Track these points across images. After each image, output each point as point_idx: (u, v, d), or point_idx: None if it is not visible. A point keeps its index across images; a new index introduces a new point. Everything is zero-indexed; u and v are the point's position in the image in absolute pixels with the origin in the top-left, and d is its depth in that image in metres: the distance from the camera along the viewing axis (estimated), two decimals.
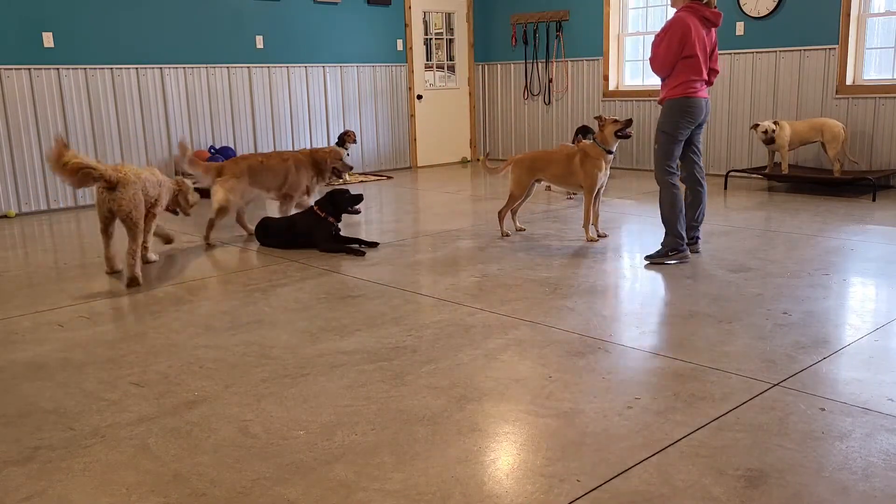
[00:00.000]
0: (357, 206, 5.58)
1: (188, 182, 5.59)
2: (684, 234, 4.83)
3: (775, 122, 7.37)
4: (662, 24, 4.78)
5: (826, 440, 2.47)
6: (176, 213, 5.52)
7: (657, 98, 4.94)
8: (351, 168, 6.45)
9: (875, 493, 2.16)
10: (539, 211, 6.86)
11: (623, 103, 9.51)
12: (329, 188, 6.04)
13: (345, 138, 8.83)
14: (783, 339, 3.42)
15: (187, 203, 5.49)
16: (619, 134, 5.30)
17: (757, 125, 7.43)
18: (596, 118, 5.46)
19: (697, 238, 5.11)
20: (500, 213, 5.84)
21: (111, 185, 4.64)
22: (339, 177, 6.49)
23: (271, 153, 6.19)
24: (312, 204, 5.61)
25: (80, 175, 4.50)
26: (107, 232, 4.90)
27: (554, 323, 3.73)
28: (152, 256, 5.29)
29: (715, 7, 4.73)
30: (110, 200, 4.68)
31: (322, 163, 6.24)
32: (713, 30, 4.77)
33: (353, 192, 5.59)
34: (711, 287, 4.28)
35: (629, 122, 5.31)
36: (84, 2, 7.53)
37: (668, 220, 4.81)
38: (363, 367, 3.22)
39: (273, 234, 5.63)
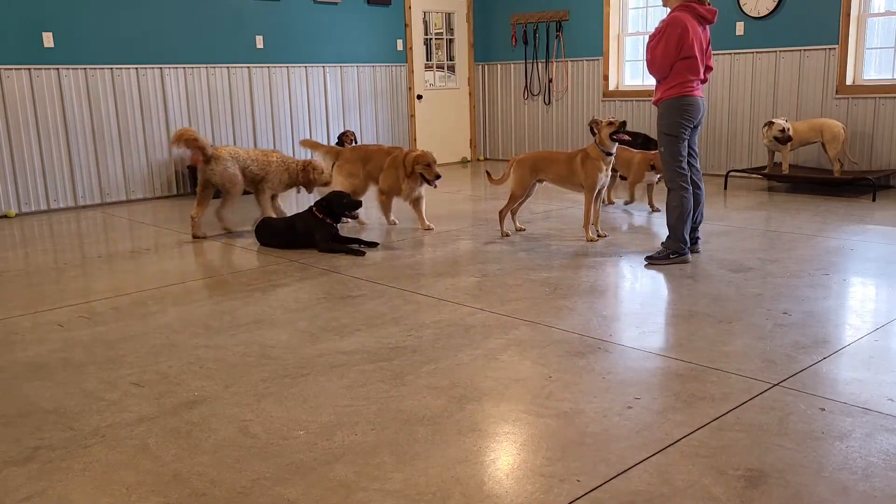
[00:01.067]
0: (354, 212, 5.58)
1: (319, 163, 6.24)
2: (688, 239, 4.83)
3: (786, 120, 7.35)
4: (657, 24, 4.74)
5: (826, 440, 2.47)
6: (298, 190, 6.40)
7: (652, 99, 4.91)
8: (438, 176, 5.86)
9: (875, 493, 2.16)
10: (539, 211, 6.86)
11: (623, 103, 9.51)
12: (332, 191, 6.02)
13: (343, 139, 8.83)
14: (783, 339, 3.42)
15: (309, 182, 6.21)
16: (613, 136, 5.29)
17: (772, 122, 7.36)
18: (590, 123, 5.44)
19: (698, 238, 5.11)
20: (500, 212, 5.84)
21: (206, 159, 5.90)
22: (430, 183, 5.88)
23: (382, 146, 6.35)
24: (311, 205, 5.61)
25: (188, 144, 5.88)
26: (202, 195, 6.03)
27: (554, 323, 3.73)
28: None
29: (709, 4, 4.71)
30: (207, 171, 5.92)
31: (408, 165, 5.91)
32: (707, 27, 4.75)
33: (352, 199, 5.56)
34: (711, 287, 4.29)
35: (623, 124, 5.28)
36: (84, 2, 7.53)
37: (674, 224, 4.79)
38: (363, 367, 3.22)
39: (273, 235, 5.63)
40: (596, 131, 5.36)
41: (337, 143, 8.87)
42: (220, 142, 8.58)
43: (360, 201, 5.69)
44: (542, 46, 10.21)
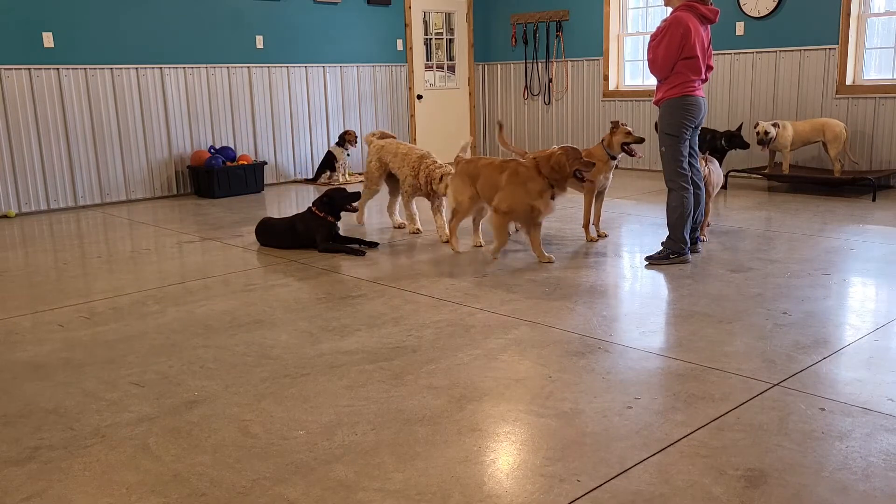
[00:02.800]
0: (354, 204, 5.58)
1: (439, 170, 5.74)
2: (688, 239, 4.82)
3: (774, 125, 7.34)
4: (659, 24, 4.74)
5: (826, 440, 2.47)
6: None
7: (653, 99, 4.91)
8: (593, 164, 4.90)
9: (875, 493, 2.16)
10: None
11: (623, 103, 9.51)
12: (328, 187, 6.01)
13: (345, 138, 8.83)
14: (783, 339, 3.42)
15: (428, 193, 5.83)
16: (624, 147, 5.29)
17: (758, 124, 7.41)
18: (612, 123, 5.39)
19: (698, 238, 5.11)
20: None
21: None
22: (582, 179, 4.86)
23: (493, 160, 5.17)
24: (311, 204, 5.61)
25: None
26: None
27: (554, 323, 3.73)
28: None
29: (711, 3, 4.70)
30: None
31: (558, 169, 4.72)
32: (708, 26, 4.75)
33: (350, 192, 5.59)
34: (711, 287, 4.28)
35: (640, 141, 5.27)
36: (84, 2, 7.53)
37: (674, 224, 4.78)
38: (363, 367, 3.22)
39: (273, 235, 5.63)
40: (611, 132, 5.35)
41: (337, 143, 8.87)
42: (220, 142, 8.59)
43: (359, 193, 5.69)
44: (542, 46, 10.21)
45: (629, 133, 5.30)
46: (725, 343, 3.39)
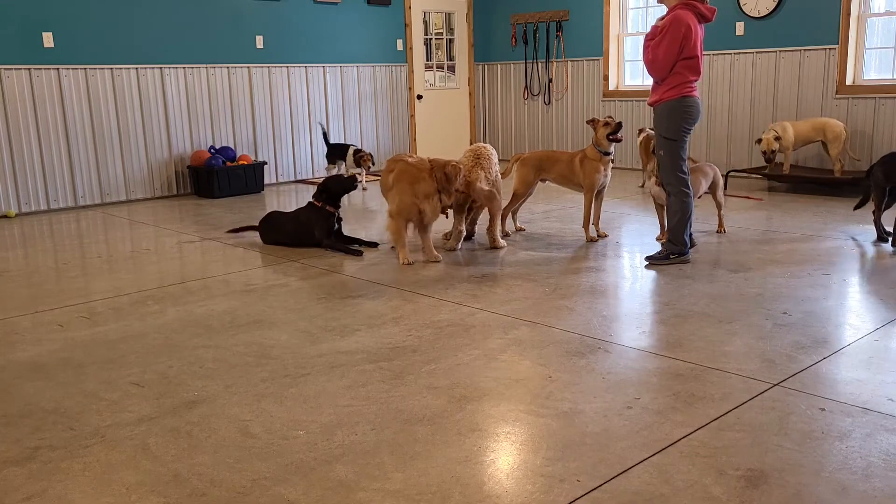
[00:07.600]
0: (355, 183, 5.55)
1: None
2: (688, 241, 4.82)
3: (777, 138, 7.28)
4: (654, 23, 4.70)
5: (826, 440, 2.47)
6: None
7: (648, 100, 4.87)
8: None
9: (875, 493, 2.16)
10: (539, 211, 6.86)
11: (623, 103, 9.51)
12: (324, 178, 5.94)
13: (360, 160, 8.42)
14: (783, 339, 3.42)
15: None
16: (610, 137, 5.30)
17: (759, 141, 7.37)
18: (588, 122, 5.45)
19: (691, 234, 5.09)
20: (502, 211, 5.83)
21: None
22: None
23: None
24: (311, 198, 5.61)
25: None
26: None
27: (554, 323, 3.73)
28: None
29: (708, 2, 4.68)
30: None
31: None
32: (702, 25, 4.72)
33: (345, 177, 5.56)
34: (711, 287, 4.28)
35: (619, 126, 5.29)
36: (84, 2, 7.52)
37: (675, 227, 4.77)
38: (363, 367, 3.22)
39: (277, 229, 5.64)
40: (593, 131, 5.37)
41: (353, 158, 8.51)
42: (220, 142, 8.59)
43: (356, 177, 5.67)
44: (542, 46, 10.21)
45: (608, 123, 5.31)
46: (725, 343, 3.39)
